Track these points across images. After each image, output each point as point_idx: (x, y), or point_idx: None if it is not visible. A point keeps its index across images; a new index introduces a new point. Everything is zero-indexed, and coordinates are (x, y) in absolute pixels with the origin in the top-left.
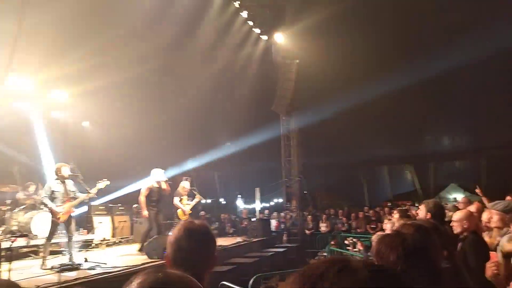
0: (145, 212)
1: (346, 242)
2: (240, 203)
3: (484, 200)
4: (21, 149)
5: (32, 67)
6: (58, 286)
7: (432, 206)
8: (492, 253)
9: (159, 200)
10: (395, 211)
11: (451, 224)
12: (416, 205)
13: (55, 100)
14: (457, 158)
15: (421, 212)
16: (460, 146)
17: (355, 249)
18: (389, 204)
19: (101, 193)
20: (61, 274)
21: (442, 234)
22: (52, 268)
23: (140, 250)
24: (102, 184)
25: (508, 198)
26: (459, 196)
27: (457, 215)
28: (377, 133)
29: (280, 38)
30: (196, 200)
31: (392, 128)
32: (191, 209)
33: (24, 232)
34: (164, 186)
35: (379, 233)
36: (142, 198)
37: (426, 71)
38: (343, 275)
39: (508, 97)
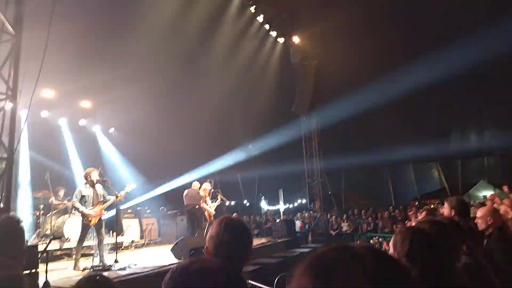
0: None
1: (371, 242)
2: (264, 205)
3: None
4: (51, 156)
5: (59, 78)
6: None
7: (455, 203)
8: None
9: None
10: (423, 211)
11: (475, 221)
12: None
13: (81, 109)
14: (486, 155)
15: (446, 210)
16: (489, 142)
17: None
18: (416, 203)
19: (129, 196)
20: None
21: (462, 230)
22: (84, 269)
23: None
24: (130, 187)
25: None
26: (490, 193)
27: (480, 212)
28: (400, 130)
29: (297, 40)
30: (218, 201)
31: (416, 125)
32: (214, 210)
33: (58, 236)
34: (202, 193)
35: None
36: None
37: (451, 65)
38: (354, 263)
39: None
